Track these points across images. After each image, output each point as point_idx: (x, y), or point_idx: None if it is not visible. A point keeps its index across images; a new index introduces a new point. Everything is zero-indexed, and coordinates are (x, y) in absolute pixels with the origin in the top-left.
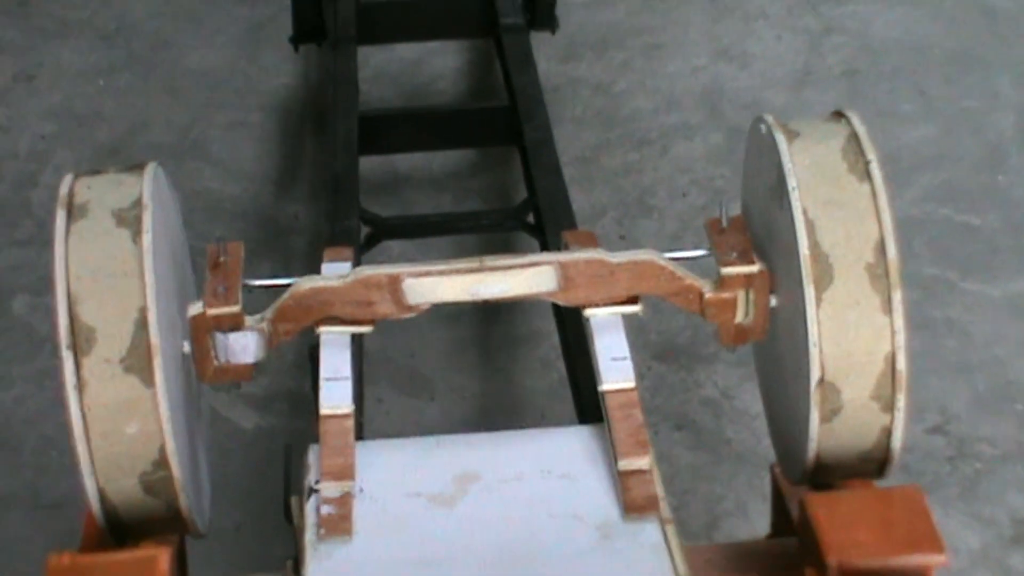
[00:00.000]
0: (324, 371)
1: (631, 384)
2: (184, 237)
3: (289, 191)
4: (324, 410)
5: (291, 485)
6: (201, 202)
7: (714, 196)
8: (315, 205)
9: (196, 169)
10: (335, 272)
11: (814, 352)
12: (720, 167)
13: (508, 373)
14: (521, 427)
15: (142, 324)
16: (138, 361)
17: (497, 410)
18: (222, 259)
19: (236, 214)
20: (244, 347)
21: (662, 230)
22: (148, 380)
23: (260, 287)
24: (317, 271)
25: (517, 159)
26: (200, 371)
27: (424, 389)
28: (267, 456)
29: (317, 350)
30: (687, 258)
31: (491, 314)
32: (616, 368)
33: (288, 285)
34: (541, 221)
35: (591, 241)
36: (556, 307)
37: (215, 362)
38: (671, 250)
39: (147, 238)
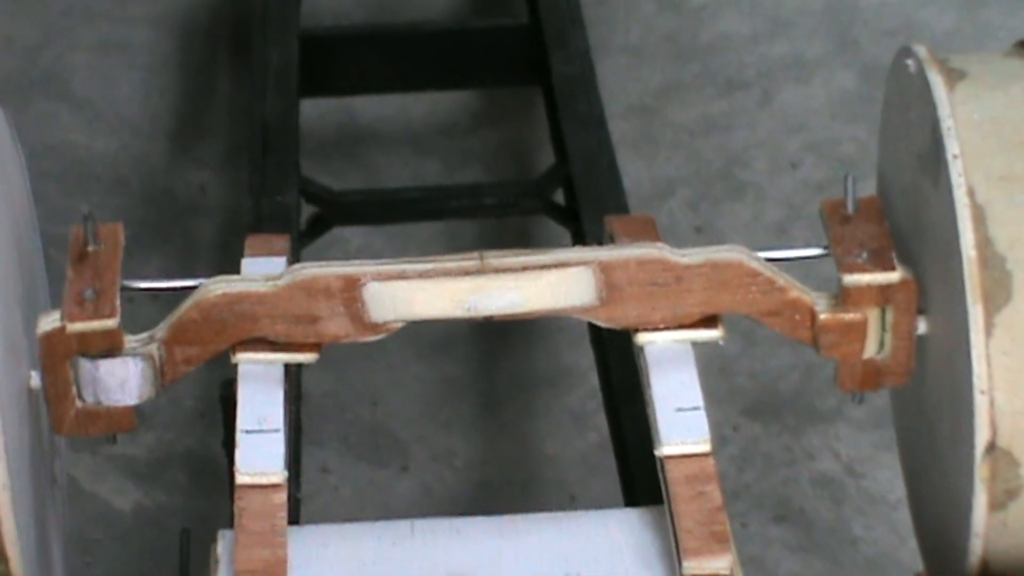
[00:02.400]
0: (243, 420)
1: (705, 447)
2: (32, 215)
3: (192, 150)
4: (242, 477)
5: None
6: (57, 163)
7: (840, 169)
8: (231, 172)
9: (50, 113)
10: (262, 271)
11: (981, 404)
12: (851, 124)
13: (521, 433)
14: (538, 511)
15: None
16: None
17: (503, 488)
18: (91, 248)
19: (111, 183)
20: (123, 381)
21: (759, 220)
22: None
23: (148, 291)
24: (233, 269)
25: (541, 107)
26: (56, 417)
27: (393, 454)
28: (153, 550)
29: (232, 389)
30: (793, 259)
31: (496, 342)
32: (683, 423)
33: (192, 288)
34: (575, 200)
35: (648, 231)
36: (595, 330)
37: (78, 403)
38: (770, 248)
39: None
